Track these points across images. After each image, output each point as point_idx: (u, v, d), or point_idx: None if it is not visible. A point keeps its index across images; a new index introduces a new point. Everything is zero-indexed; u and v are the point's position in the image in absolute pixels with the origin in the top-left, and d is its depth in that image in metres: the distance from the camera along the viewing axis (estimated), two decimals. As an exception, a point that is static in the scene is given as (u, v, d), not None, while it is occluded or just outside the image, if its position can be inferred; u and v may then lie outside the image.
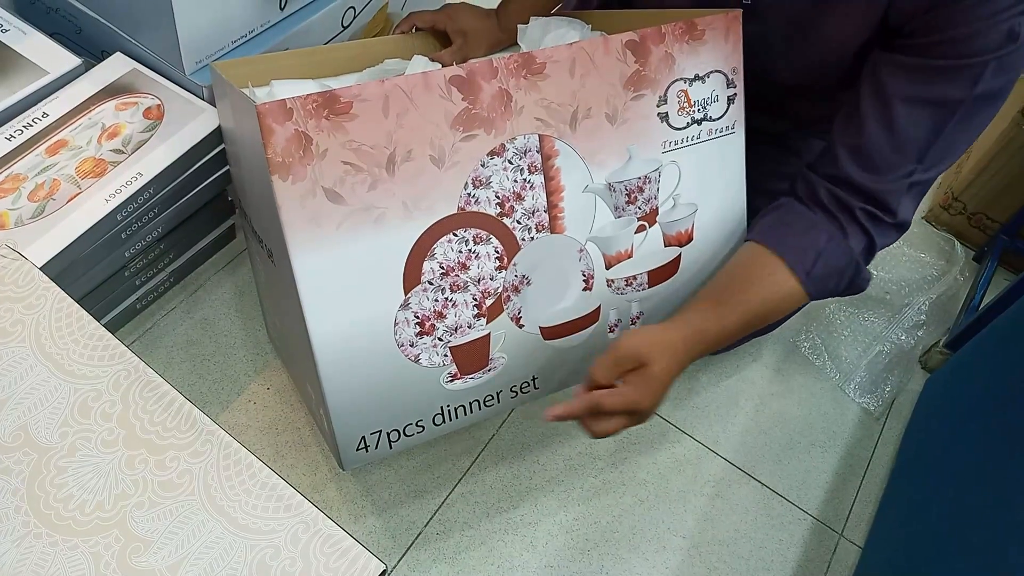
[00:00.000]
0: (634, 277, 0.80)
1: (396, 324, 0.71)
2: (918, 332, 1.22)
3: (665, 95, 0.75)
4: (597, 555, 0.94)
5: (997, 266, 1.30)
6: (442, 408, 0.77)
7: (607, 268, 0.79)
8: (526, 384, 0.81)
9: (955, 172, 1.41)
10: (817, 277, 0.74)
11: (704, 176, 0.80)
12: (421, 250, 0.70)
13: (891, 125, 0.71)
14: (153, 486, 0.54)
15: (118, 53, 0.91)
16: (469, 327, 0.74)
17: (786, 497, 1.03)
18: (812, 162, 0.78)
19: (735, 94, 0.79)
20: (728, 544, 0.98)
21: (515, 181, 0.71)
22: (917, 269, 1.30)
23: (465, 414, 0.79)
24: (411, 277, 0.70)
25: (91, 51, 0.95)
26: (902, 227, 0.76)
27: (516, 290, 0.75)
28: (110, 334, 0.60)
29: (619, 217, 0.77)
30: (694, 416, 1.08)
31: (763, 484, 1.04)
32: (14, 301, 0.61)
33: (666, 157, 0.77)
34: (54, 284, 0.62)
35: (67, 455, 0.54)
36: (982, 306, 1.16)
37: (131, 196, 0.81)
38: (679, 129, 0.77)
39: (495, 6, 0.99)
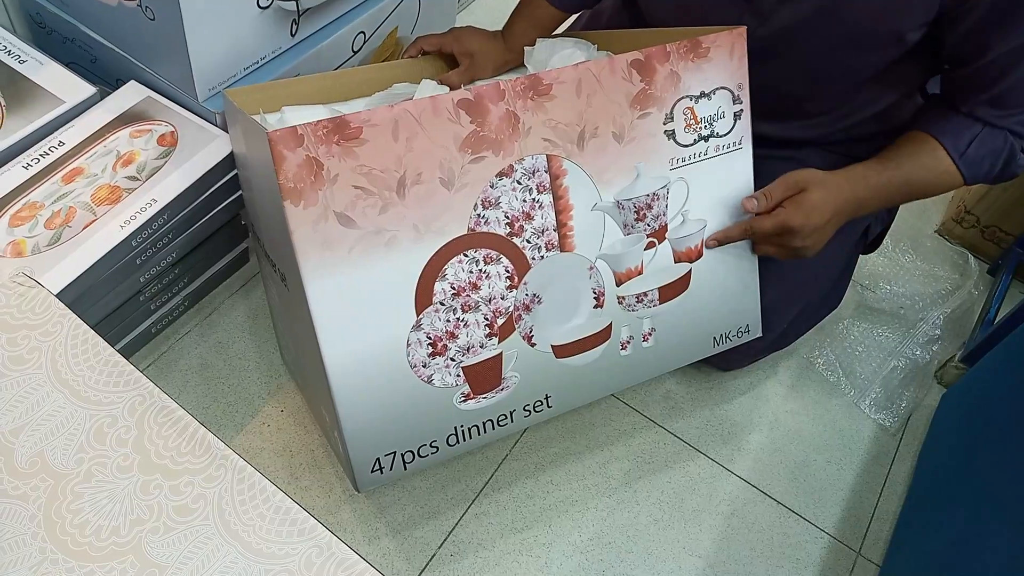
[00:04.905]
0: (645, 294, 0.80)
1: (408, 345, 0.71)
2: (933, 347, 1.21)
3: (671, 113, 0.76)
4: None
5: (1012, 279, 1.29)
6: (456, 428, 0.77)
7: (618, 285, 0.79)
8: (539, 403, 0.80)
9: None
10: (971, 159, 0.79)
11: (712, 192, 0.80)
12: (432, 271, 0.70)
13: (997, 78, 0.76)
14: (168, 511, 0.54)
15: (132, 81, 0.92)
16: (481, 347, 0.74)
17: (802, 515, 1.02)
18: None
19: (741, 110, 0.79)
20: (744, 563, 0.97)
21: (524, 201, 0.72)
22: (931, 283, 1.29)
23: (479, 434, 0.79)
24: (423, 298, 0.70)
25: (106, 79, 0.96)
26: None
27: (527, 309, 0.75)
28: (125, 360, 0.61)
29: (628, 234, 0.77)
30: (708, 434, 1.07)
31: (779, 502, 1.03)
32: (31, 328, 0.61)
33: (674, 174, 0.78)
34: (70, 311, 0.63)
35: (83, 481, 0.55)
36: (997, 320, 1.15)
37: (146, 222, 0.82)
38: (686, 146, 0.77)
39: (500, 28, 1.00)
